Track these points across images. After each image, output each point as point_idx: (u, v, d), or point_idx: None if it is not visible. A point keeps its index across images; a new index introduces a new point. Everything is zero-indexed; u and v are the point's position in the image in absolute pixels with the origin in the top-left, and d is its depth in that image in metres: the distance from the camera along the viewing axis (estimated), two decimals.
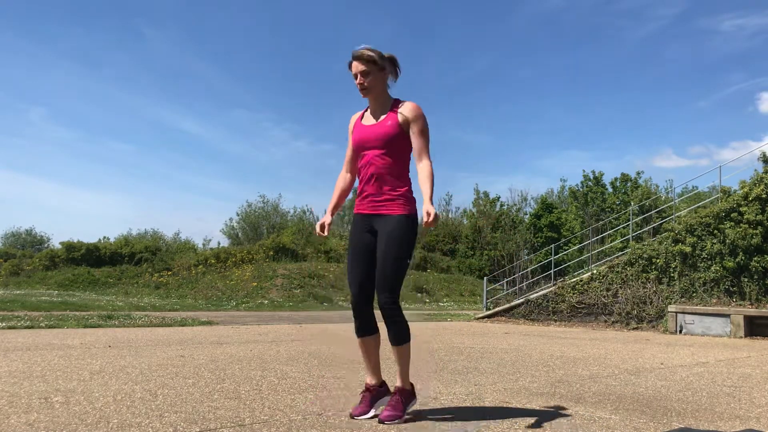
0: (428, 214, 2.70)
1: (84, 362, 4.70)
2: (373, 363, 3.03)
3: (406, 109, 2.93)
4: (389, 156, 2.91)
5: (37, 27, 55.22)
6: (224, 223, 43.76)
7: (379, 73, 2.92)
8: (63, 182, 60.27)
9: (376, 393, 2.99)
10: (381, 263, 2.87)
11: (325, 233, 3.05)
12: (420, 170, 2.89)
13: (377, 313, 3.00)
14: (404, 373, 2.94)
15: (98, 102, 58.51)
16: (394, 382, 3.01)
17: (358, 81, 2.92)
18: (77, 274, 24.61)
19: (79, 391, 3.41)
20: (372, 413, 2.93)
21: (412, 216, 2.94)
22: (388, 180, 2.91)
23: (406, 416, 2.88)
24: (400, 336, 2.90)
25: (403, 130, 2.91)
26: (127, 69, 57.94)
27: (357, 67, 2.90)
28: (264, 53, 63.06)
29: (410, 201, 2.95)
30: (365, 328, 3.00)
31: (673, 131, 59.65)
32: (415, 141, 2.91)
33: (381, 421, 2.76)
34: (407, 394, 2.93)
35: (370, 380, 3.02)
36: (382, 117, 2.95)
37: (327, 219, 3.07)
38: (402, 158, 2.95)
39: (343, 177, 3.15)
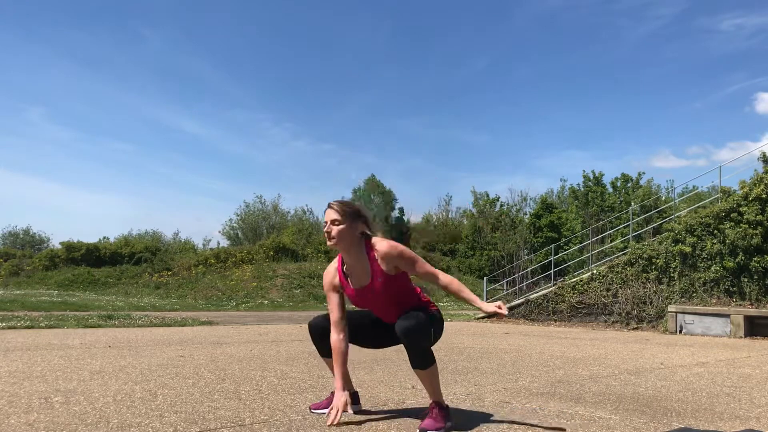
0: (498, 307, 2.69)
1: (84, 362, 4.70)
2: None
3: (384, 256, 2.80)
4: (395, 296, 2.86)
5: (36, 27, 55.25)
6: (224, 223, 43.68)
7: (349, 227, 2.81)
8: (63, 182, 60.32)
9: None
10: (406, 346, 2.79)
11: (350, 411, 2.89)
12: (446, 285, 2.83)
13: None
14: (436, 392, 2.79)
15: (97, 102, 58.56)
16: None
17: (326, 228, 2.83)
18: (77, 274, 24.61)
19: (79, 391, 3.41)
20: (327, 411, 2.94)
21: (433, 313, 2.89)
22: (400, 307, 2.86)
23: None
24: (424, 360, 2.76)
25: (392, 274, 2.83)
26: (127, 69, 57.98)
27: (329, 214, 2.83)
28: (263, 53, 63.09)
29: (429, 303, 2.95)
30: (327, 351, 2.99)
31: (671, 131, 59.73)
32: (419, 271, 2.83)
33: (423, 430, 2.65)
34: (445, 407, 2.79)
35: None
36: (368, 275, 2.84)
37: (347, 397, 2.82)
38: (405, 288, 2.90)
39: (337, 341, 2.89)
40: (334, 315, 2.91)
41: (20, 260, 28.32)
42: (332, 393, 3.01)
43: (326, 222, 2.83)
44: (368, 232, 2.86)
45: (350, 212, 2.83)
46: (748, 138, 59.52)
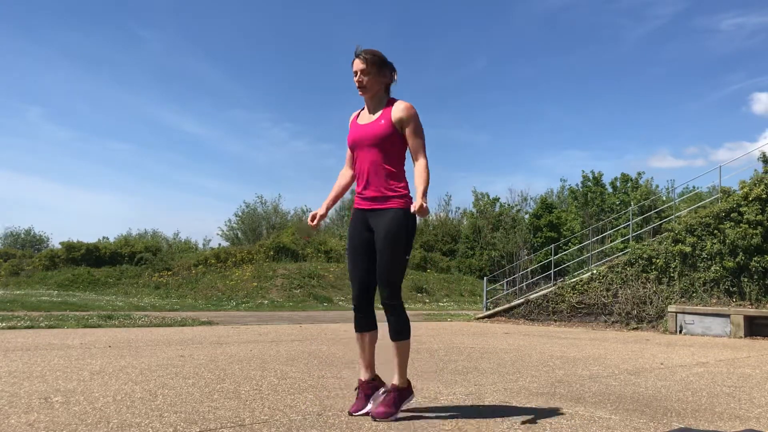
0: (415, 205, 2.76)
1: (84, 362, 4.70)
2: (368, 359, 3.07)
3: (398, 109, 2.96)
4: (383, 154, 2.95)
5: (36, 27, 55.24)
6: (224, 223, 43.70)
7: (377, 75, 2.97)
8: (62, 182, 60.36)
9: (369, 389, 3.02)
10: (380, 259, 2.90)
11: (314, 223, 3.07)
12: (415, 168, 2.94)
13: (379, 313, 3.02)
14: (402, 369, 2.95)
15: (97, 102, 58.59)
16: (389, 379, 3.02)
17: (357, 78, 2.97)
18: (77, 274, 24.60)
19: (79, 391, 3.41)
20: (369, 407, 2.96)
21: (408, 211, 2.96)
22: (383, 177, 2.95)
23: (401, 413, 2.88)
24: (400, 332, 2.93)
25: (396, 129, 2.95)
26: (126, 69, 57.99)
27: (357, 65, 2.97)
28: (263, 53, 63.09)
29: (406, 197, 2.98)
30: (364, 324, 3.05)
31: (669, 131, 59.81)
32: (410, 141, 2.96)
33: (373, 418, 2.77)
34: (403, 391, 2.94)
35: (364, 375, 3.06)
36: (376, 116, 3.00)
37: (321, 210, 3.11)
38: (396, 156, 2.98)
39: (343, 173, 3.20)
40: (349, 152, 3.14)
41: (20, 260, 28.33)
42: (357, 392, 3.02)
43: (356, 72, 2.97)
44: (395, 80, 3.03)
45: (379, 61, 2.97)
46: (745, 138, 59.59)
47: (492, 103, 62.34)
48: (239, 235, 38.00)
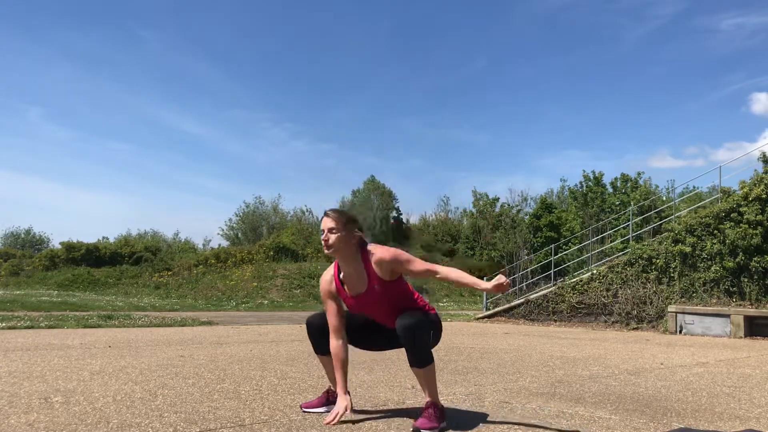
0: (499, 281, 2.63)
1: (84, 362, 4.70)
2: (334, 377, 2.97)
3: (380, 261, 2.82)
4: (395, 303, 2.86)
5: (36, 27, 55.26)
6: (224, 223, 43.70)
7: (346, 235, 2.83)
8: (62, 182, 60.37)
9: (335, 398, 2.94)
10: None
11: (350, 415, 2.87)
12: (443, 273, 2.81)
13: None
14: (432, 392, 2.80)
15: (97, 102, 58.61)
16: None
17: (323, 237, 2.84)
18: (77, 275, 24.61)
19: (79, 391, 3.41)
20: (322, 409, 2.96)
21: (431, 314, 2.91)
22: (398, 313, 2.86)
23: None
24: (422, 359, 2.77)
25: (390, 279, 2.84)
26: (126, 69, 58.01)
27: (326, 222, 2.84)
28: (262, 53, 63.10)
29: (426, 307, 2.95)
30: (323, 347, 2.99)
31: (669, 132, 59.79)
32: (414, 270, 2.82)
33: (416, 429, 2.65)
34: (440, 408, 2.79)
35: (333, 389, 3.02)
36: (365, 283, 2.85)
37: (348, 402, 2.85)
38: (402, 292, 2.89)
39: (336, 347, 2.91)
40: (333, 322, 2.92)
41: (20, 260, 28.34)
42: (324, 393, 3.05)
43: (323, 230, 2.84)
44: (365, 239, 2.89)
45: (346, 220, 2.85)
46: (745, 138, 59.63)
47: (492, 103, 62.36)
48: (239, 235, 38.00)
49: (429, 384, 2.78)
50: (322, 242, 2.86)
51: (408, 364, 2.81)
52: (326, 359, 3.02)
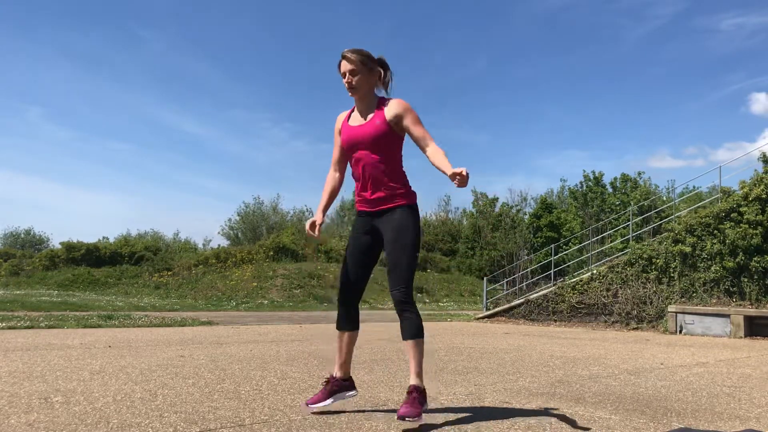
0: (455, 173, 2.61)
1: (84, 362, 4.70)
2: (344, 358, 3.04)
3: (392, 106, 2.92)
4: (381, 154, 2.91)
5: (36, 27, 55.25)
6: (224, 223, 43.70)
7: (367, 74, 2.92)
8: (62, 182, 60.38)
9: (338, 386, 3.01)
10: (391, 258, 2.88)
11: (316, 233, 3.05)
12: (431, 154, 2.85)
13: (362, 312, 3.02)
14: (418, 370, 2.84)
15: (97, 102, 58.61)
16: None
17: (345, 80, 2.92)
18: (77, 275, 24.60)
19: (79, 391, 3.41)
20: (328, 402, 2.96)
21: (414, 207, 2.95)
22: (384, 178, 2.92)
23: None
24: (414, 330, 2.85)
25: (391, 127, 2.90)
26: (126, 69, 57.99)
27: (345, 66, 2.92)
28: (262, 53, 63.11)
29: (410, 193, 2.97)
30: (347, 321, 3.02)
31: (669, 132, 59.82)
32: (414, 131, 2.90)
33: (400, 417, 2.65)
34: (423, 392, 2.82)
35: (337, 373, 3.03)
36: (370, 116, 2.94)
37: (318, 218, 3.06)
38: (395, 155, 2.95)
39: (332, 177, 3.14)
40: (335, 155, 3.12)
41: (20, 260, 28.33)
42: (324, 386, 3.03)
43: (344, 73, 2.92)
44: (389, 77, 2.99)
45: (366, 59, 2.92)
46: (745, 138, 59.61)
47: (492, 103, 62.41)
48: (239, 235, 37.99)
49: (420, 359, 2.84)
50: (345, 85, 2.94)
51: (408, 365, 2.82)
52: (347, 336, 3.02)
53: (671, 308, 10.77)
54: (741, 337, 9.77)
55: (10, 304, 12.63)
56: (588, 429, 2.78)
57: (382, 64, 3.00)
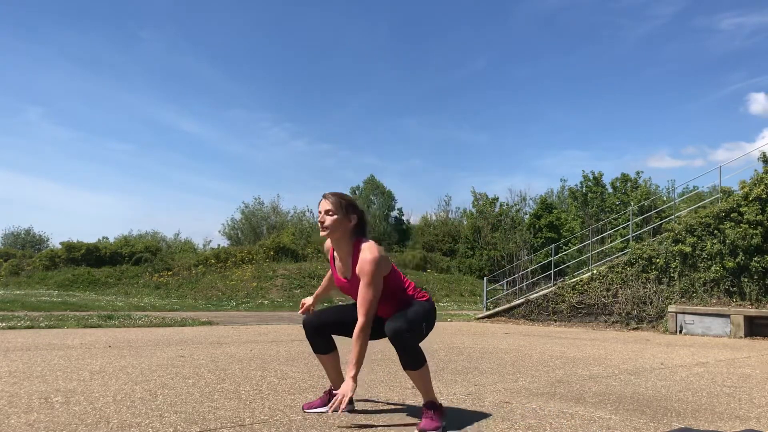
0: (340, 393, 2.60)
1: (84, 362, 4.70)
2: (334, 376, 3.08)
3: (360, 263, 2.80)
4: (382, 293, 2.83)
5: (35, 27, 55.25)
6: (223, 223, 43.69)
7: (342, 219, 2.83)
8: (62, 182, 60.37)
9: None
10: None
11: (302, 311, 3.18)
12: (353, 338, 2.75)
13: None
14: (429, 392, 2.78)
15: (96, 102, 58.63)
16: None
17: (320, 218, 2.86)
18: (77, 275, 24.60)
19: (79, 391, 3.41)
20: (324, 409, 2.95)
21: (425, 302, 2.92)
22: (389, 309, 2.87)
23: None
24: (414, 362, 2.75)
25: None
26: (125, 69, 58.01)
27: (323, 205, 2.86)
28: (262, 53, 63.12)
29: (420, 297, 2.95)
30: (322, 348, 3.05)
31: (669, 132, 59.83)
32: (359, 293, 2.76)
33: (421, 431, 2.65)
34: (439, 405, 2.78)
35: (334, 390, 3.03)
36: (350, 271, 2.88)
37: (309, 301, 3.20)
38: (392, 284, 2.86)
39: (329, 278, 3.17)
40: (325, 281, 3.21)
41: (20, 260, 28.33)
42: (325, 392, 3.06)
43: (320, 212, 2.87)
44: (363, 229, 2.91)
45: (345, 204, 2.86)
46: (744, 139, 59.62)
47: (492, 103, 62.42)
48: (239, 234, 37.99)
49: (424, 384, 2.78)
50: (318, 223, 2.89)
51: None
52: (325, 358, 3.05)
53: (671, 308, 10.77)
54: (741, 337, 9.77)
55: (10, 304, 12.63)
56: (588, 429, 2.78)
57: (360, 213, 2.90)
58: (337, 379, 3.06)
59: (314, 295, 3.27)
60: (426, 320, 2.87)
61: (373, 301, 2.75)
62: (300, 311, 3.20)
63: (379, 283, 2.76)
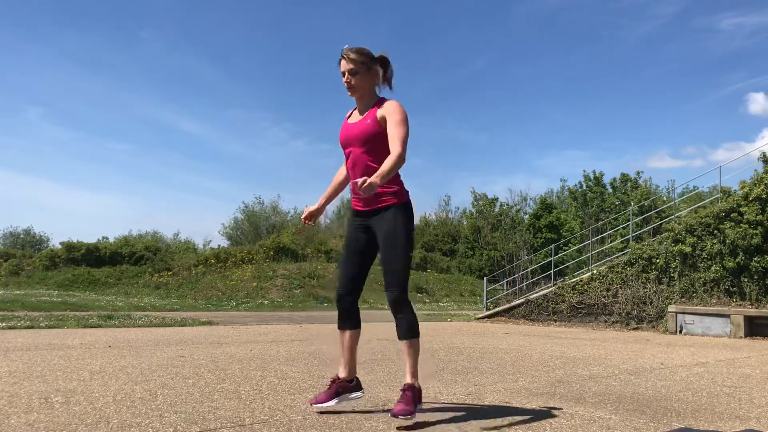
0: (362, 181, 2.58)
1: (84, 362, 4.70)
2: (349, 357, 3.04)
3: (385, 106, 2.91)
4: (372, 153, 2.90)
5: (35, 27, 55.24)
6: (223, 223, 43.69)
7: (366, 73, 2.91)
8: (62, 182, 60.36)
9: (343, 387, 3.00)
10: (385, 259, 2.88)
11: (312, 223, 3.09)
12: (387, 160, 2.78)
13: (363, 312, 3.04)
14: (413, 369, 2.88)
15: (96, 102, 58.60)
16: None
17: (345, 79, 2.91)
18: (77, 275, 24.59)
19: (79, 391, 3.41)
20: (333, 403, 2.95)
21: (406, 205, 2.95)
22: (373, 171, 2.87)
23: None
24: (410, 330, 2.88)
25: (382, 126, 2.88)
26: (125, 69, 58.00)
27: (345, 65, 2.90)
28: (262, 53, 63.11)
29: (402, 192, 2.96)
30: (348, 321, 3.03)
31: (668, 132, 59.82)
32: (389, 131, 2.84)
33: (394, 415, 2.67)
34: (418, 391, 2.85)
35: (342, 374, 3.03)
36: (364, 115, 2.96)
37: (315, 206, 3.11)
38: (385, 154, 2.88)
39: (340, 171, 3.21)
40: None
41: (20, 260, 28.31)
42: (329, 386, 3.04)
43: (344, 72, 2.90)
44: (390, 75, 2.97)
45: (365, 59, 2.90)
46: (743, 139, 59.61)
47: (492, 103, 62.40)
48: (240, 234, 37.98)
49: (414, 359, 2.87)
50: (345, 84, 2.91)
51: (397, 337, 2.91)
52: (348, 335, 3.02)
53: (671, 308, 10.77)
54: (741, 337, 9.77)
55: (10, 304, 12.62)
56: (588, 429, 2.78)
57: (383, 61, 2.98)
58: (350, 361, 3.03)
59: (320, 200, 3.15)
60: (411, 238, 2.92)
61: (406, 138, 2.82)
62: (303, 218, 3.11)
63: (407, 124, 2.85)
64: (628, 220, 15.65)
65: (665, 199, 27.27)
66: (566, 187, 37.08)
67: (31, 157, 58.96)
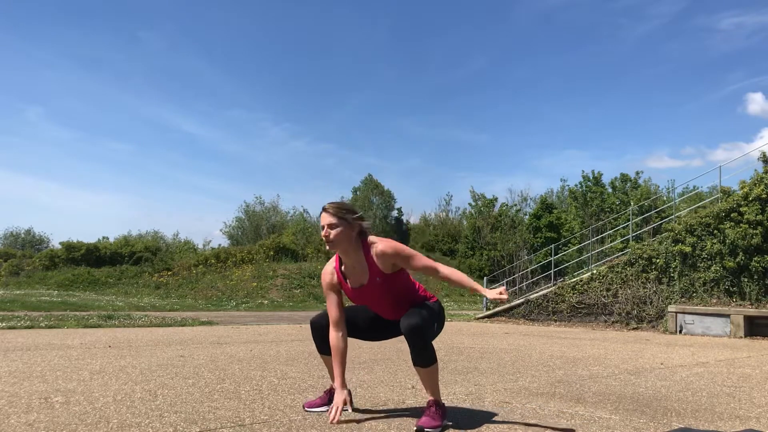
0: (500, 293, 2.65)
1: (84, 362, 4.70)
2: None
3: (382, 257, 2.81)
4: (394, 294, 2.87)
5: (35, 27, 55.27)
6: (223, 222, 43.71)
7: (346, 228, 2.80)
8: (62, 182, 60.35)
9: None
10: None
11: (349, 408, 2.95)
12: (443, 272, 2.83)
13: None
14: (435, 391, 2.80)
15: (96, 102, 58.63)
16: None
17: (323, 233, 2.82)
18: (77, 274, 24.60)
19: (79, 391, 3.41)
20: (325, 409, 2.96)
21: (435, 303, 2.96)
22: (404, 303, 2.89)
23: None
24: (426, 358, 2.76)
25: (392, 270, 2.84)
26: (125, 69, 58.02)
27: (324, 218, 2.82)
28: (262, 52, 63.12)
29: (429, 297, 2.98)
30: (326, 349, 3.02)
31: (668, 132, 59.79)
32: (414, 264, 2.82)
33: (419, 429, 2.64)
34: (442, 406, 2.80)
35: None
36: (367, 275, 2.84)
37: (343, 394, 2.85)
38: (404, 284, 2.89)
39: (336, 339, 2.90)
40: (333, 314, 2.91)
41: (20, 260, 28.32)
42: (325, 392, 3.06)
43: (323, 226, 2.82)
44: (365, 231, 2.87)
45: (346, 213, 2.82)
46: (742, 139, 59.61)
47: (492, 103, 62.38)
48: (240, 234, 37.97)
49: (432, 383, 2.79)
50: (323, 238, 2.85)
51: (409, 363, 2.81)
52: (329, 359, 3.03)
53: (671, 308, 10.77)
54: (741, 337, 9.77)
55: (10, 304, 12.63)
56: (588, 429, 2.78)
57: (360, 217, 2.88)
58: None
59: (338, 381, 2.88)
60: (437, 320, 2.90)
61: (424, 256, 2.87)
62: (339, 410, 2.76)
63: (410, 249, 2.87)
64: (628, 220, 15.65)
65: (665, 199, 27.27)
66: (566, 187, 37.07)
67: (31, 157, 59.00)
